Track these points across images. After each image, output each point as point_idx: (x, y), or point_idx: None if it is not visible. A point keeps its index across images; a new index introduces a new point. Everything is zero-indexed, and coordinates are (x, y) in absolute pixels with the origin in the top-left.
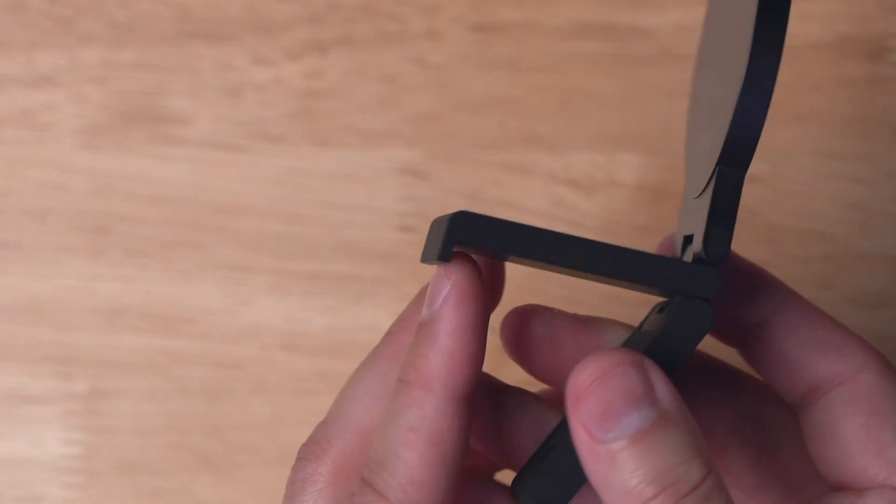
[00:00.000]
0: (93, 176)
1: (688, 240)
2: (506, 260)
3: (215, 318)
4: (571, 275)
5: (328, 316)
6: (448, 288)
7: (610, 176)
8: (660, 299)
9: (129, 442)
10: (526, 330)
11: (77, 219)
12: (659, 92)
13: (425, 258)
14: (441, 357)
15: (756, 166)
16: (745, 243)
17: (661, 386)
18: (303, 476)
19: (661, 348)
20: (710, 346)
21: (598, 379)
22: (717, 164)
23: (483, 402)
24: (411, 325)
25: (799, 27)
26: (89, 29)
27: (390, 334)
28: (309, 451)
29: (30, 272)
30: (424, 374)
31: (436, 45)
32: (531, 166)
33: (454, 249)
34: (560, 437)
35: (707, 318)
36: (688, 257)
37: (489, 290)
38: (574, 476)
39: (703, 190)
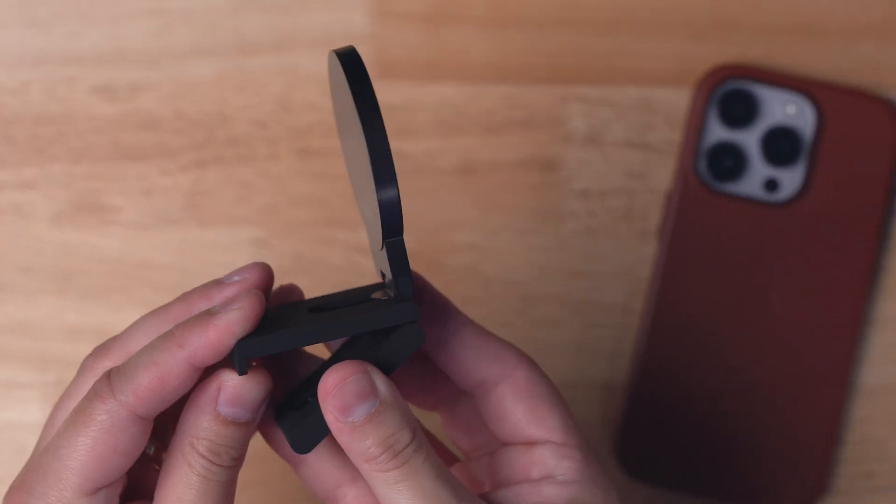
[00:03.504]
0: (60, 245)
1: (384, 275)
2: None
3: None
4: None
5: None
6: (238, 313)
7: None
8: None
9: None
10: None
11: (50, 272)
12: None
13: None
14: (211, 338)
15: None
16: None
17: (381, 383)
18: (87, 364)
19: (383, 357)
20: None
21: (338, 384)
22: (383, 241)
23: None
24: (203, 299)
25: None
26: (56, 153)
27: (187, 296)
28: (96, 351)
29: (17, 306)
30: (186, 339)
31: (274, 163)
32: (332, 240)
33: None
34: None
35: (417, 335)
36: (390, 289)
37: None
38: (324, 429)
39: (382, 247)
